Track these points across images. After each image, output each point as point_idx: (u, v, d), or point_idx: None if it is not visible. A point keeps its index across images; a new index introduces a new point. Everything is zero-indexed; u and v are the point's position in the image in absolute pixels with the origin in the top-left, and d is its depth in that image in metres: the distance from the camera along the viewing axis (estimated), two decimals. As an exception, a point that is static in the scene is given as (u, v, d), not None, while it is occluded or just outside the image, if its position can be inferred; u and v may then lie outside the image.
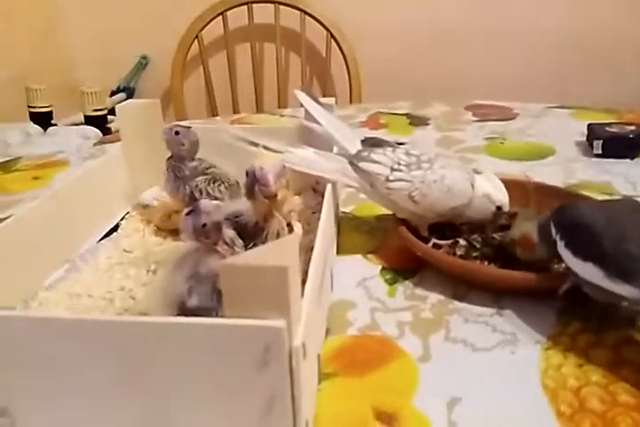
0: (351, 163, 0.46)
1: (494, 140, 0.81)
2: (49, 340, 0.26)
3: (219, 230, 0.35)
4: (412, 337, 0.39)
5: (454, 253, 0.46)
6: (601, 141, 0.72)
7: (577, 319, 0.40)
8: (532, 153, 0.75)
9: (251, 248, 0.38)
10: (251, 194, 0.42)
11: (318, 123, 0.49)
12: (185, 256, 0.35)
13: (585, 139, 0.77)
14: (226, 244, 0.36)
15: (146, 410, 0.27)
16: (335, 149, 0.49)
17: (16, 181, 0.70)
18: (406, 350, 0.37)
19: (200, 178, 0.50)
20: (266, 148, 0.44)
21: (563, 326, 0.39)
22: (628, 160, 0.71)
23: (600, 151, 0.72)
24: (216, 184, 0.49)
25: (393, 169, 0.45)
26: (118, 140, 0.57)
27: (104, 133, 1.23)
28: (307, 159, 0.46)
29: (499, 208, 0.46)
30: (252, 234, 0.41)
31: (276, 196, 0.41)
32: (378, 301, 0.43)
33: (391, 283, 0.45)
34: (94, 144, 0.86)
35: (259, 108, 1.46)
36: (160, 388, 0.27)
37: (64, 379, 0.27)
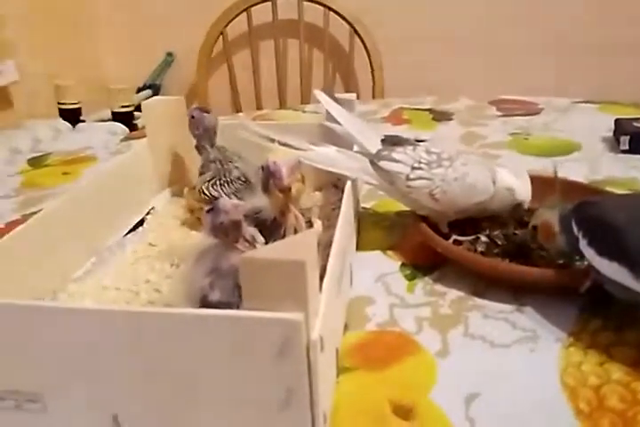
0: (372, 162, 0.46)
1: (518, 135, 0.80)
2: (77, 329, 0.27)
3: (237, 229, 0.36)
4: (430, 333, 0.39)
5: (475, 250, 0.46)
6: (628, 137, 0.70)
7: (598, 317, 0.39)
8: (557, 148, 0.74)
9: None
10: (266, 188, 0.42)
11: (339, 123, 0.49)
12: (206, 251, 0.36)
13: (612, 134, 0.75)
14: (247, 241, 0.36)
15: (167, 399, 0.28)
16: (355, 148, 0.50)
17: (46, 177, 0.72)
18: (425, 345, 0.38)
19: (201, 177, 0.52)
20: (282, 144, 0.45)
21: (583, 324, 0.39)
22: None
23: (627, 147, 0.71)
24: (210, 182, 0.51)
25: (414, 168, 0.46)
26: (144, 136, 0.58)
27: (131, 130, 1.26)
28: (328, 157, 0.46)
29: (519, 204, 0.45)
30: (271, 230, 0.41)
31: (289, 189, 0.41)
32: (397, 296, 0.43)
33: (410, 279, 0.45)
34: (121, 140, 0.88)
35: (282, 104, 1.47)
36: (180, 378, 0.27)
37: (92, 367, 0.28)
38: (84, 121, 1.29)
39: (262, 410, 0.27)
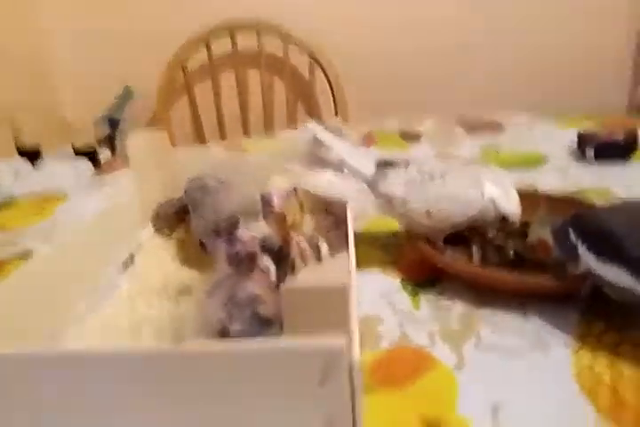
0: (368, 185, 0.48)
1: (488, 150, 0.83)
2: (88, 375, 0.25)
3: (252, 261, 0.35)
4: (443, 347, 0.40)
5: (471, 262, 0.47)
6: (592, 149, 0.74)
7: (600, 320, 0.41)
8: (527, 162, 0.77)
9: (280, 273, 0.38)
10: (265, 217, 0.42)
11: (330, 151, 0.50)
12: (220, 281, 0.36)
13: (576, 146, 0.79)
14: (261, 271, 0.36)
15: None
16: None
17: (17, 219, 0.70)
18: (441, 359, 0.38)
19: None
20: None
21: (587, 327, 0.40)
22: (620, 164, 0.73)
23: (593, 158, 0.74)
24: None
25: (408, 188, 0.47)
26: (115, 170, 0.58)
27: (94, 165, 1.23)
28: (325, 181, 0.47)
29: (504, 218, 0.47)
30: (279, 258, 0.41)
31: (284, 217, 0.41)
32: (404, 313, 0.44)
33: (414, 295, 0.46)
34: (92, 175, 0.86)
35: (245, 133, 1.47)
36: (217, 407, 0.26)
37: (111, 415, 0.26)
38: (44, 160, 1.26)
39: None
